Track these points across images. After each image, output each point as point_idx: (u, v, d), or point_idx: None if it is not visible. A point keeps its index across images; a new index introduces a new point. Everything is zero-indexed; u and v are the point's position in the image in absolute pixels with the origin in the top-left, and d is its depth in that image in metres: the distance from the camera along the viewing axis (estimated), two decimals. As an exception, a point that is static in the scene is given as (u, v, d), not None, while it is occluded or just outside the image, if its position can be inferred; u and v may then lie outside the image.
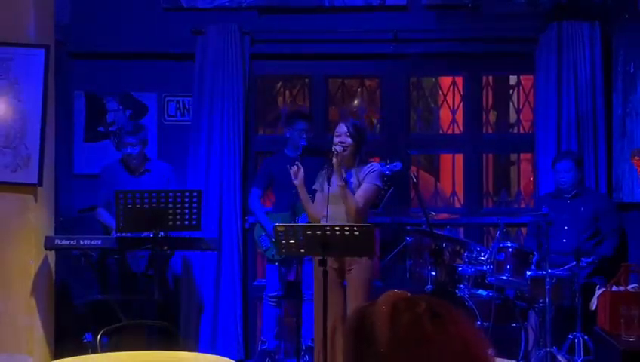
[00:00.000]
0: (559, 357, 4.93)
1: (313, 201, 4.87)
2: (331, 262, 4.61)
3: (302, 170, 4.73)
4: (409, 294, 1.35)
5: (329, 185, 4.78)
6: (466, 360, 1.28)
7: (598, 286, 4.77)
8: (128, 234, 5.07)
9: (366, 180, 4.73)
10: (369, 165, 4.80)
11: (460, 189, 6.40)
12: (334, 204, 4.68)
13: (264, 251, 5.72)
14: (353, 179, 4.75)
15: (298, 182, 4.73)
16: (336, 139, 4.75)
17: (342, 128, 4.77)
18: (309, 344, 5.41)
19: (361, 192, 4.72)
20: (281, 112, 6.63)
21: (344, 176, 4.67)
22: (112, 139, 6.20)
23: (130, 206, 4.74)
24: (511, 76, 6.83)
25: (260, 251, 5.87)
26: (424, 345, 1.26)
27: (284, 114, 6.30)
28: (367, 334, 1.31)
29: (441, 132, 6.56)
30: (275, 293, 5.68)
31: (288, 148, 5.76)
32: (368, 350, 1.30)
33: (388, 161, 5.23)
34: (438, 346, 1.26)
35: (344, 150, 4.69)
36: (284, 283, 5.68)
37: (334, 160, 4.63)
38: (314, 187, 4.93)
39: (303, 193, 4.80)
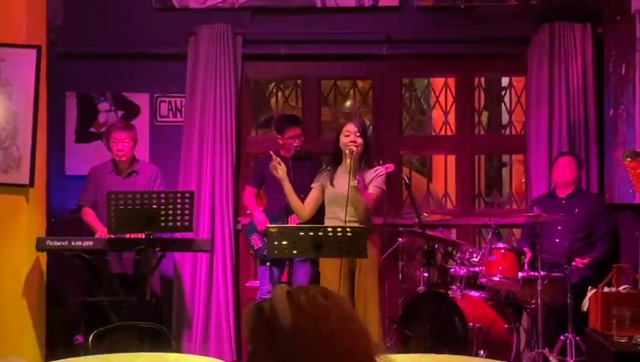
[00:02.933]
0: (551, 358, 4.94)
1: (304, 199, 4.90)
2: (340, 263, 4.61)
3: (282, 164, 4.78)
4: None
5: (333, 186, 4.77)
6: (355, 327, 1.50)
7: (589, 287, 4.78)
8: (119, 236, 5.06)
9: (374, 183, 4.74)
10: (375, 168, 4.79)
11: (452, 190, 6.41)
12: (339, 205, 4.67)
13: (256, 251, 5.68)
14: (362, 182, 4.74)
15: (281, 174, 4.77)
16: (346, 139, 4.73)
17: (352, 127, 4.75)
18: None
19: (371, 194, 4.72)
20: (273, 114, 6.61)
21: (345, 178, 4.66)
22: (103, 140, 6.18)
23: (122, 207, 4.73)
24: (503, 77, 6.85)
25: (252, 252, 5.83)
26: (325, 316, 1.46)
27: (274, 120, 6.21)
28: (267, 320, 1.48)
29: (433, 133, 6.57)
30: (268, 295, 5.65)
31: (283, 149, 5.75)
32: (271, 333, 1.46)
33: (380, 163, 5.23)
34: (335, 316, 1.47)
35: (356, 149, 4.69)
36: (275, 285, 5.66)
37: (348, 159, 4.62)
38: (312, 185, 4.94)
39: (287, 186, 4.83)
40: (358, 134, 4.72)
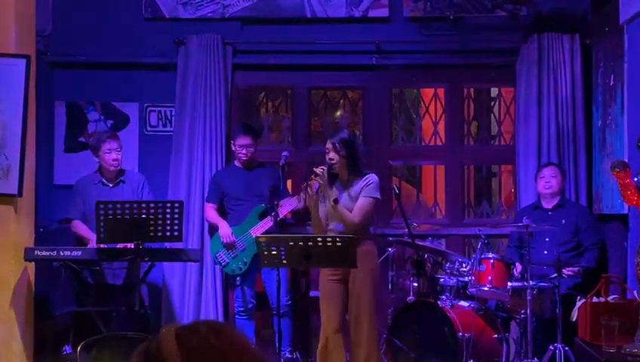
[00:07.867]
0: (540, 368, 4.94)
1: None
2: (334, 272, 4.59)
3: (324, 177, 4.57)
4: (181, 324, 1.44)
5: (324, 200, 4.75)
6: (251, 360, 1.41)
7: (578, 298, 4.79)
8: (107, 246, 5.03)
9: (363, 194, 4.64)
10: (365, 178, 4.68)
11: (441, 200, 6.42)
12: (332, 219, 4.65)
13: (223, 267, 5.66)
14: (344, 195, 4.68)
15: (312, 192, 4.61)
16: (326, 157, 4.70)
17: (328, 145, 4.69)
18: (287, 355, 5.36)
19: (359, 207, 4.63)
20: (263, 124, 6.61)
21: (336, 194, 4.61)
22: (92, 150, 6.15)
23: (111, 217, 4.72)
24: (492, 88, 6.87)
25: (219, 267, 5.78)
26: (218, 358, 1.37)
27: (234, 127, 6.06)
28: None
29: (423, 143, 6.58)
30: (241, 308, 5.62)
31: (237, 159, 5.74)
32: None
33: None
34: (231, 356, 1.38)
35: (331, 168, 4.62)
36: (246, 298, 5.61)
37: (320, 182, 4.56)
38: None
39: (315, 211, 4.68)
40: (335, 151, 4.65)
